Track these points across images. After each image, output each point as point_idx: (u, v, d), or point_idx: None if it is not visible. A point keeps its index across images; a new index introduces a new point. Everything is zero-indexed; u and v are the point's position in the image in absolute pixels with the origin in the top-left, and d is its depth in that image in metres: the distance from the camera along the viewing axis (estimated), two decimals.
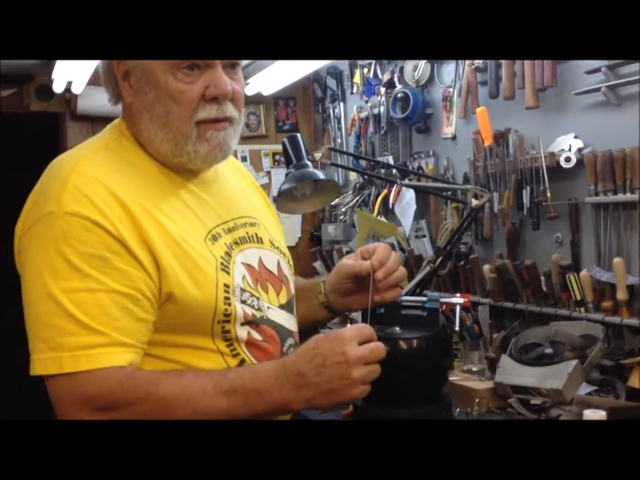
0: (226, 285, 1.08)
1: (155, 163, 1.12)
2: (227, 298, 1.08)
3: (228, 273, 1.09)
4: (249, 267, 1.14)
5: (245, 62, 1.11)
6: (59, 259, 0.99)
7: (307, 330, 1.25)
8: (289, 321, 1.19)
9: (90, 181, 1.02)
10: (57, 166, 1.08)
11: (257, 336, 1.11)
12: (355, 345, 1.01)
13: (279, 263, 1.22)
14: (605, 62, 2.02)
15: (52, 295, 0.98)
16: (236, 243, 1.14)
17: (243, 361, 1.10)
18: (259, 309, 1.13)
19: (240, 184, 1.29)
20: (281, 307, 1.18)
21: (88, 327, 0.98)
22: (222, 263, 1.09)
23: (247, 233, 1.18)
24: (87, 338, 0.98)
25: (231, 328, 1.08)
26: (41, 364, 0.99)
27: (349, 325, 1.12)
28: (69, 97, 3.76)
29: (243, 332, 1.10)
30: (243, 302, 1.10)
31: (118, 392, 0.98)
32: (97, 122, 3.82)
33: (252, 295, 1.12)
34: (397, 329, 1.20)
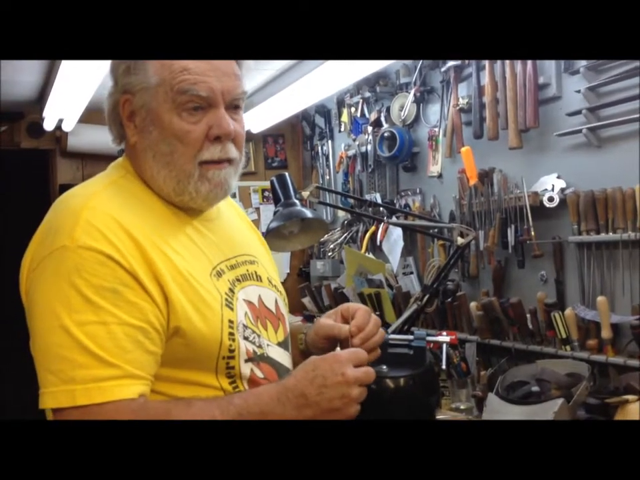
0: (230, 321, 1.10)
1: (161, 199, 1.14)
2: (231, 334, 1.09)
3: (232, 309, 1.11)
4: (250, 303, 1.16)
5: None
6: (73, 292, 0.99)
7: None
8: (285, 359, 1.21)
9: (102, 215, 1.04)
10: (66, 202, 1.09)
11: (258, 373, 1.13)
12: (352, 366, 1.05)
13: (276, 300, 1.25)
14: (586, 104, 2.08)
15: (65, 327, 0.98)
16: (238, 280, 1.17)
17: None
18: (260, 346, 1.15)
19: (237, 222, 1.32)
20: (279, 344, 1.20)
21: (101, 359, 0.98)
22: (226, 299, 1.11)
23: (247, 270, 1.21)
24: (100, 371, 0.98)
25: (236, 364, 1.10)
26: (52, 397, 0.98)
27: (337, 349, 1.15)
28: (59, 134, 3.79)
29: (246, 369, 1.11)
30: (246, 338, 1.12)
31: None
32: (86, 159, 3.87)
33: (253, 332, 1.14)
34: (384, 367, 1.21)
